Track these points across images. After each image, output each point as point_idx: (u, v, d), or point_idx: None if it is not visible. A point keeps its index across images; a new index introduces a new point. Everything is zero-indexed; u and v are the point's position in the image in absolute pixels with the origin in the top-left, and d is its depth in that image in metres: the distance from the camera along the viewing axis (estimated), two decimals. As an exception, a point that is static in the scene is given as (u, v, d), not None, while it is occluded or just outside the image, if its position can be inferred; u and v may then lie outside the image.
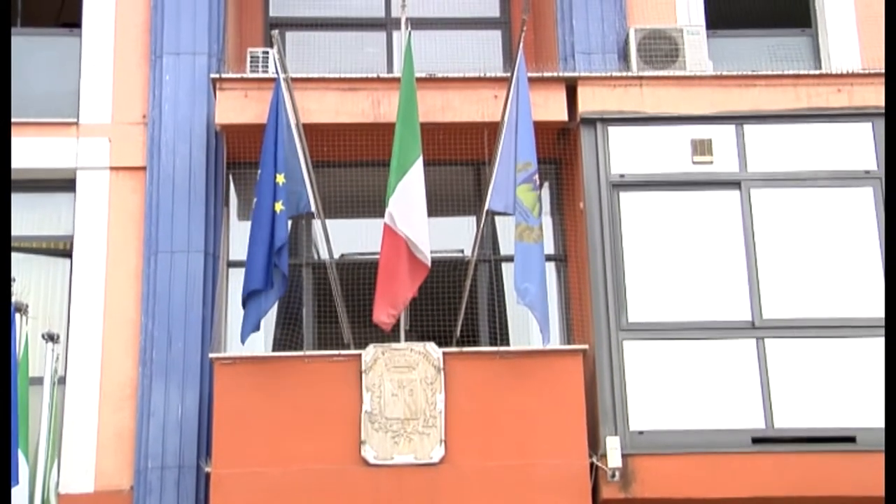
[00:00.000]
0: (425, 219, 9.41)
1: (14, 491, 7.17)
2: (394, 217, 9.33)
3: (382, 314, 9.29)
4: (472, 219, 10.37)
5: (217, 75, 10.15)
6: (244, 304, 9.39)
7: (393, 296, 9.29)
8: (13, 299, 7.50)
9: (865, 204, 9.80)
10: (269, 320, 10.13)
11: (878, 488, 8.79)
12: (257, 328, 9.38)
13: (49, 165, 10.22)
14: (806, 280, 9.71)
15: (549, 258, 10.11)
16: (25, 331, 7.67)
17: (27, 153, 9.96)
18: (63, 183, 10.26)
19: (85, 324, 9.87)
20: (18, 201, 9.45)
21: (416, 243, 9.33)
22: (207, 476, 9.24)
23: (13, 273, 7.67)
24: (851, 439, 9.29)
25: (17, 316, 7.50)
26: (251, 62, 10.38)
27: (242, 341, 9.38)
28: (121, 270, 10.01)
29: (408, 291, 9.34)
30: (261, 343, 10.02)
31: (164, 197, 10.05)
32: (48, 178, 10.26)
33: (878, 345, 9.33)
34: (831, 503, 9.31)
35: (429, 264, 9.38)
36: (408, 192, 9.36)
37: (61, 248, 10.31)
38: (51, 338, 7.96)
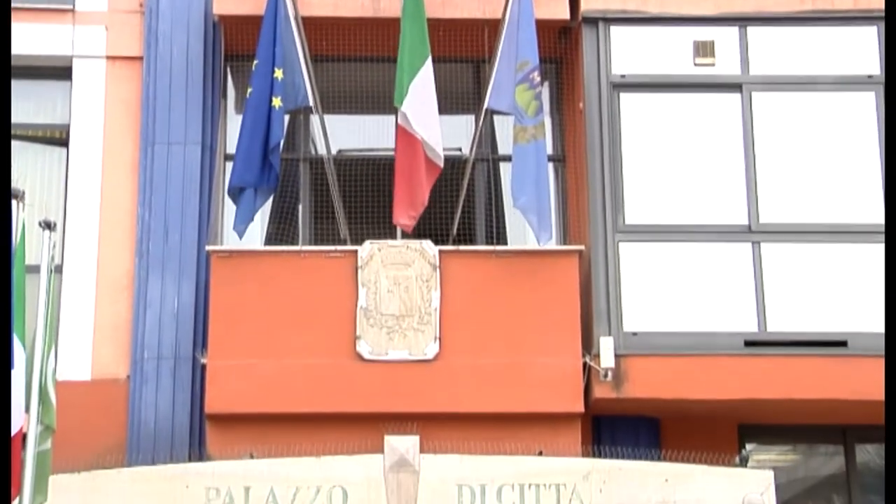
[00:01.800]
0: (437, 118, 9.39)
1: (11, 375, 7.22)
2: (408, 118, 9.29)
3: (403, 216, 9.35)
4: (471, 117, 10.30)
5: (214, -36, 10.00)
6: (234, 198, 9.39)
7: (412, 197, 9.33)
8: (9, 185, 7.44)
9: (867, 109, 9.73)
10: (265, 215, 10.13)
11: (868, 392, 8.93)
12: (251, 219, 9.40)
13: (44, 53, 10.11)
14: (804, 185, 9.69)
15: (547, 159, 10.06)
16: (22, 218, 7.61)
17: (22, 39, 9.75)
18: (59, 71, 10.13)
19: (81, 213, 9.85)
20: (13, 88, 9.34)
21: (431, 143, 9.32)
22: (203, 367, 9.32)
23: (8, 159, 7.60)
24: (843, 343, 9.34)
25: (14, 202, 7.45)
26: (250, -49, 10.22)
27: (241, 236, 9.38)
28: (117, 161, 9.95)
29: (425, 192, 9.34)
30: (257, 237, 10.01)
31: (161, 88, 9.94)
32: (44, 66, 10.13)
33: (872, 250, 9.37)
34: (822, 406, 9.43)
35: (441, 164, 9.38)
36: (420, 93, 9.32)
37: (57, 137, 10.25)
38: (47, 225, 7.90)
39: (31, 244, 7.80)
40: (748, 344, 9.38)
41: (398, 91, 9.32)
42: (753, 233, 9.61)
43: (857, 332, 9.30)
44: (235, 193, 9.40)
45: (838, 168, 9.71)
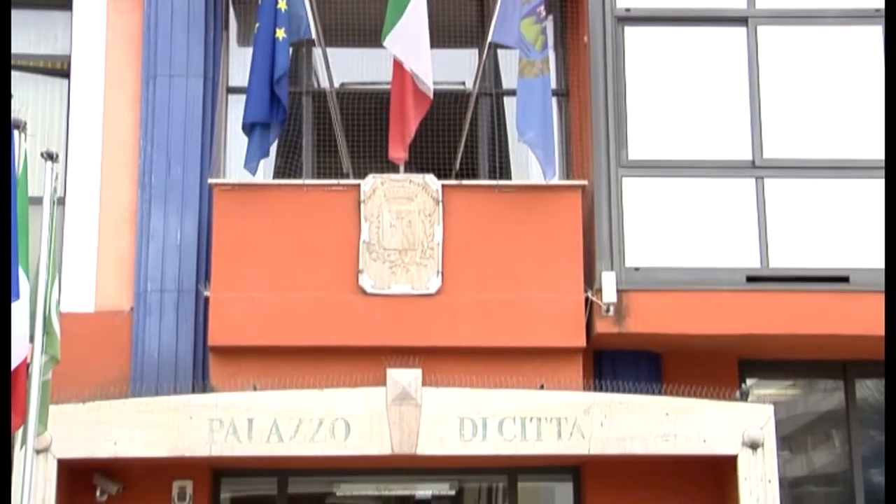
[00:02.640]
0: (428, 50, 9.29)
1: (15, 306, 7.23)
2: (396, 52, 9.21)
3: (399, 150, 9.29)
4: (475, 51, 10.24)
5: None
6: (247, 135, 9.35)
7: (403, 130, 9.27)
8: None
9: (874, 43, 9.64)
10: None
11: (869, 327, 8.96)
12: (266, 155, 9.36)
13: (44, -18, 10.09)
14: (809, 120, 9.64)
15: (551, 93, 10.01)
16: (24, 148, 7.59)
17: (22, -32, 9.78)
18: (59, 1, 10.05)
19: (83, 145, 9.83)
20: (13, 18, 9.26)
21: (420, 75, 9.25)
22: (206, 300, 9.34)
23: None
24: (845, 279, 9.35)
25: (16, 133, 7.41)
26: None
27: (252, 173, 9.35)
28: (119, 93, 9.90)
29: (412, 124, 9.30)
30: (260, 171, 9.97)
31: (163, 19, 9.86)
32: (44, -5, 10.14)
33: (876, 186, 9.33)
34: (822, 341, 9.46)
35: (430, 96, 9.33)
36: (411, 24, 9.20)
37: (58, 68, 10.18)
38: (50, 157, 7.87)
39: (33, 176, 7.77)
40: (750, 279, 9.39)
41: (385, 27, 9.22)
42: (757, 168, 9.57)
43: (858, 267, 9.30)
44: (248, 131, 9.35)
45: (844, 103, 9.64)
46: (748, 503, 8.90)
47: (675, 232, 9.52)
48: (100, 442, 8.75)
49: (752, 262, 9.44)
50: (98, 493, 9.21)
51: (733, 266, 9.42)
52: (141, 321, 9.47)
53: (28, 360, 7.49)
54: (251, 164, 9.31)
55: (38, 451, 8.11)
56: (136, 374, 9.33)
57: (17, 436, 7.56)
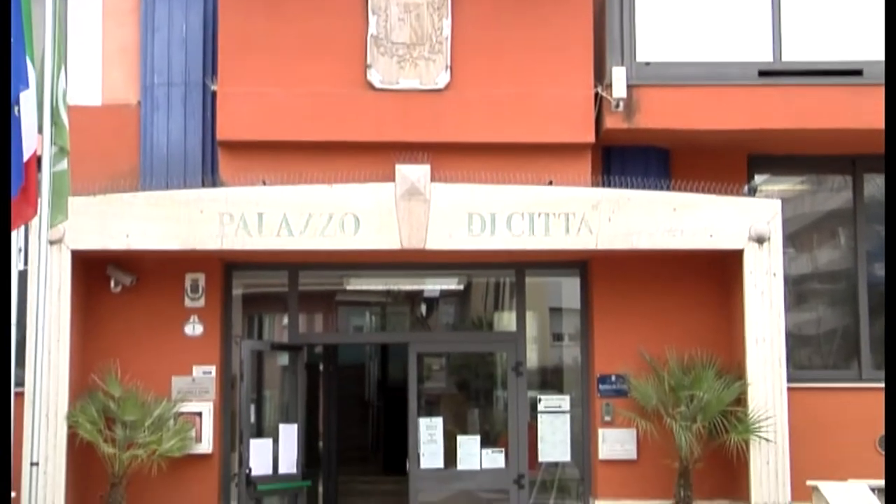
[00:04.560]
0: None
1: (23, 95, 7.18)
2: None
3: None
4: None
5: None
6: None
7: None
8: None
9: None
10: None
11: (881, 121, 8.85)
12: None
13: None
14: None
15: None
16: (23, -67, 7.40)
17: None
18: None
19: (81, -68, 9.62)
20: None
21: None
22: (213, 94, 9.28)
23: None
24: (858, 72, 9.26)
25: (13, -83, 7.22)
26: None
27: None
28: None
29: None
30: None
31: None
32: None
33: (894, -23, 9.13)
34: (833, 136, 9.44)
35: None
36: None
37: None
38: (49, -58, 7.70)
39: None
40: (762, 74, 9.31)
41: None
42: (772, -42, 9.40)
43: (872, 60, 9.17)
44: None
45: None
46: (753, 296, 9.04)
47: (687, 26, 9.40)
48: (112, 234, 8.85)
49: (764, 56, 9.35)
50: (112, 284, 9.36)
51: (745, 60, 9.34)
52: (149, 115, 9.43)
53: (38, 152, 7.47)
54: None
55: (51, 243, 8.18)
56: (146, 169, 9.35)
57: (33, 226, 7.61)
